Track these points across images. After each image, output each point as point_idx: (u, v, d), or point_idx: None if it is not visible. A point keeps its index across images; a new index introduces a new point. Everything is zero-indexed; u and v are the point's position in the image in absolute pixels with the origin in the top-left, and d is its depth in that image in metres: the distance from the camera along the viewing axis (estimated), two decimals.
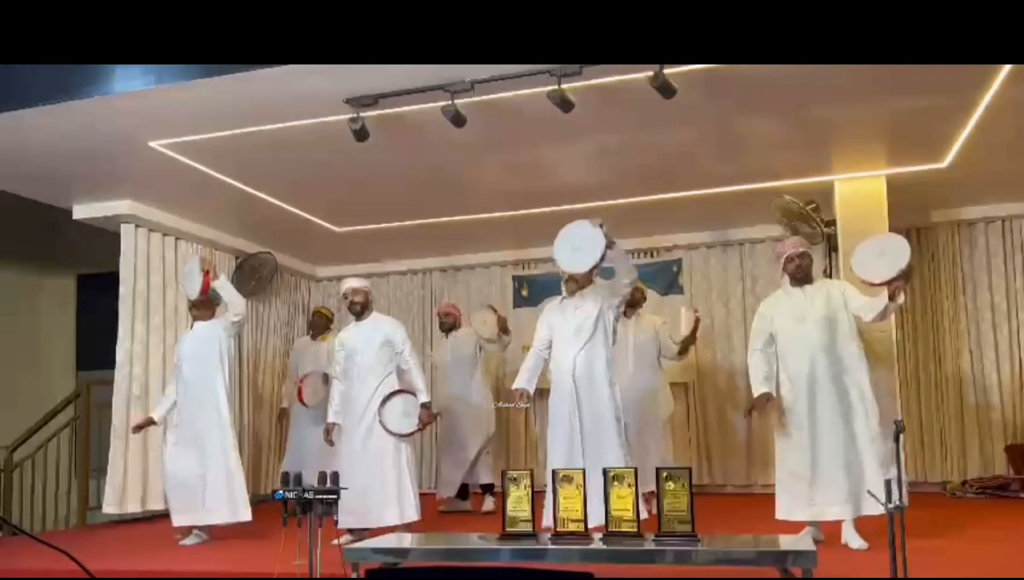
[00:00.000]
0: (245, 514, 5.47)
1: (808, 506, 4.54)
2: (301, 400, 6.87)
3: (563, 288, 4.97)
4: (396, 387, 5.29)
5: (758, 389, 4.68)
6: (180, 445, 5.53)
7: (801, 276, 4.75)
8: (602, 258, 4.56)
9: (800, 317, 4.67)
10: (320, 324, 7.54)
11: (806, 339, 4.62)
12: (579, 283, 4.86)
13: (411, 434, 5.20)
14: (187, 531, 5.51)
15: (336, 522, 3.82)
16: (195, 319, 5.77)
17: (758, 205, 6.85)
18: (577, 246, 4.63)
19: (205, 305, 5.71)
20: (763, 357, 4.73)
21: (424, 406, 5.23)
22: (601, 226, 4.59)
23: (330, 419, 5.34)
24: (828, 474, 4.50)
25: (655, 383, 6.89)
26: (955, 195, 7.23)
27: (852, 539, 4.48)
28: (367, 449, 5.15)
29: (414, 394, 5.27)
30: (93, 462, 7.28)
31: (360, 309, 5.39)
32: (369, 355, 5.28)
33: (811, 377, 4.59)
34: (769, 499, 4.81)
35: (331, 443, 5.27)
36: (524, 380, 4.95)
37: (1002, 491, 6.96)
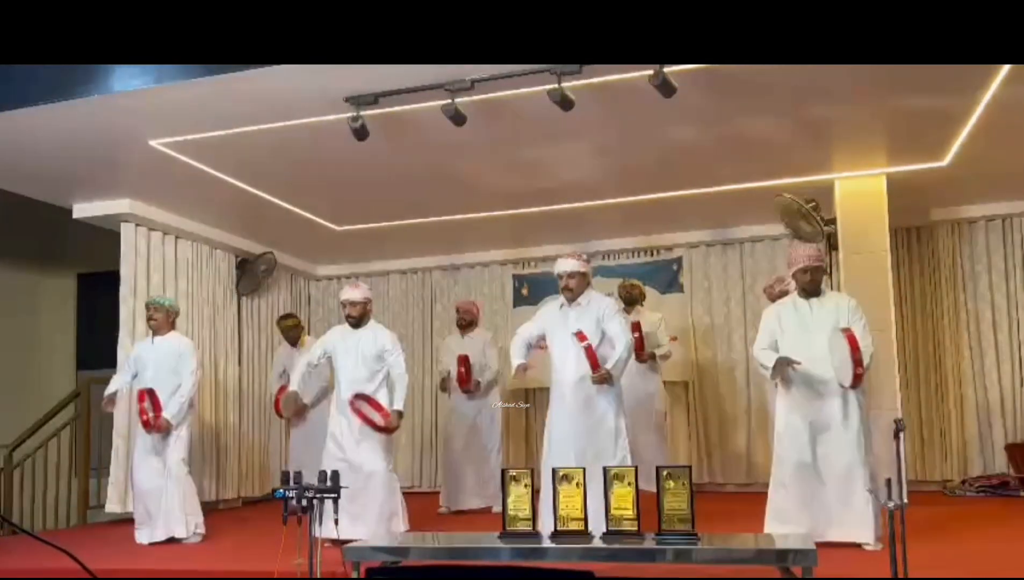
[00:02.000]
0: (180, 531, 5.49)
1: (799, 524, 4.42)
2: (278, 411, 7.01)
3: (561, 296, 4.96)
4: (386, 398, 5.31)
5: (771, 360, 4.56)
6: (142, 456, 5.59)
7: (812, 289, 4.68)
8: None
9: (806, 329, 4.62)
10: (293, 335, 7.46)
11: (809, 352, 4.54)
12: (574, 291, 4.87)
13: (372, 424, 5.12)
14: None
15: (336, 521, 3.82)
16: (154, 333, 5.70)
17: (758, 204, 6.85)
18: None
19: (165, 320, 5.68)
20: (770, 351, 4.67)
21: (396, 413, 5.17)
22: None
23: (292, 387, 5.49)
24: (822, 491, 4.45)
25: (653, 381, 6.91)
26: (955, 194, 7.22)
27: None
28: (358, 459, 5.12)
29: (384, 407, 5.22)
30: (93, 461, 7.29)
31: (356, 321, 5.34)
32: (362, 368, 5.25)
33: (811, 390, 4.55)
34: None
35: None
36: (520, 356, 4.95)
37: (1002, 490, 6.95)
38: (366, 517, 5.00)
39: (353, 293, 5.36)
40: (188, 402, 5.61)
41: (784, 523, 4.47)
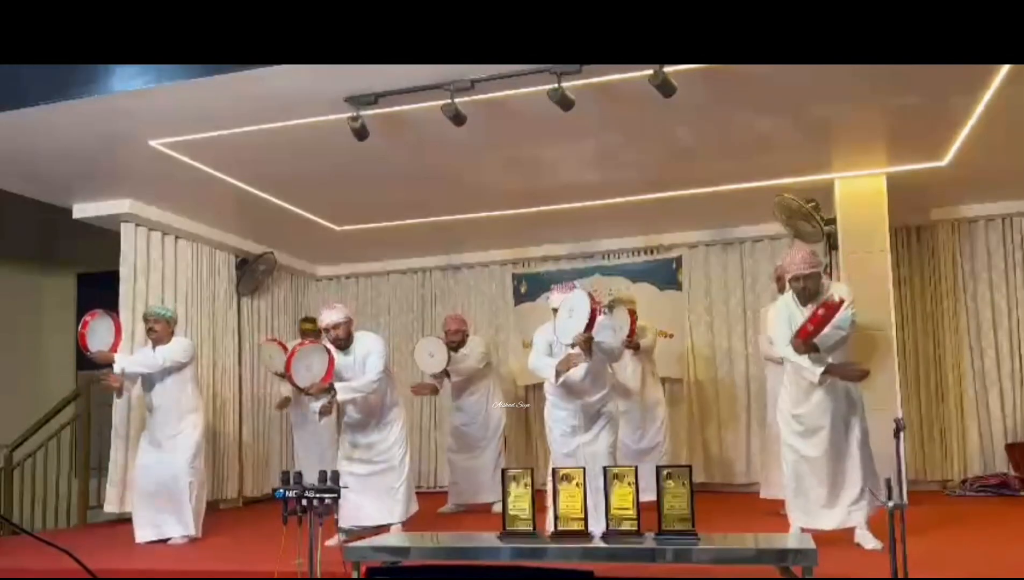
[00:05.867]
0: (191, 530, 5.47)
1: (804, 514, 4.57)
2: (292, 383, 6.90)
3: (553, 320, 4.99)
4: (394, 401, 5.36)
5: (818, 364, 4.45)
6: (151, 454, 5.57)
7: (804, 299, 4.59)
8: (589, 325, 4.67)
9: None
10: (312, 336, 7.46)
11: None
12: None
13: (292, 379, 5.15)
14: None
15: (336, 520, 3.84)
16: (155, 343, 5.65)
17: (758, 203, 6.84)
18: (571, 309, 4.78)
19: (166, 330, 5.65)
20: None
21: (330, 391, 4.99)
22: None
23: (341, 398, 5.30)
24: (822, 483, 4.53)
25: (653, 387, 6.89)
26: (955, 193, 7.23)
27: (865, 540, 4.45)
28: (368, 458, 5.19)
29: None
30: (93, 461, 7.28)
31: (344, 341, 5.26)
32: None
33: (810, 387, 4.55)
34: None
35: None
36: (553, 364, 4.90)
37: (1002, 490, 6.95)
38: (382, 499, 5.09)
39: (334, 316, 5.22)
40: (144, 367, 5.53)
41: (804, 513, 4.58)
